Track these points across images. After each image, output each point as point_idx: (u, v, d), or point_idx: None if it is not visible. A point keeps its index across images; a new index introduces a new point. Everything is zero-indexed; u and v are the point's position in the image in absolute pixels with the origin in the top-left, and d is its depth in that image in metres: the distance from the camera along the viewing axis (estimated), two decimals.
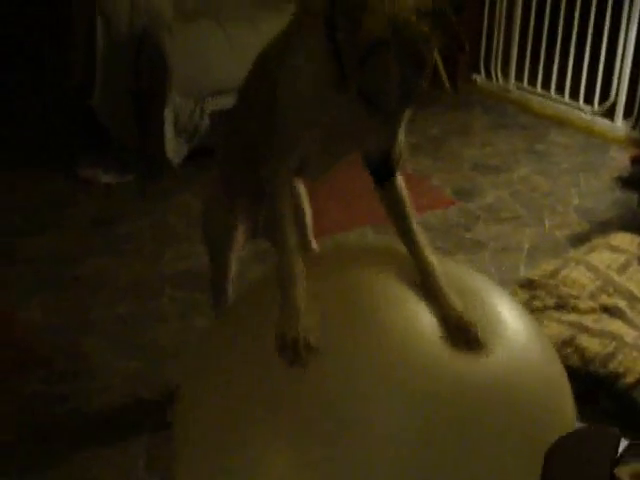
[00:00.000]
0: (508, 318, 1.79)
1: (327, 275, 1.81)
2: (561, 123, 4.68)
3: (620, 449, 1.16)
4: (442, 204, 3.80)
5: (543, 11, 4.78)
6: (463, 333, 1.65)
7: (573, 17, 4.59)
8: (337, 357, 1.60)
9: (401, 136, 1.69)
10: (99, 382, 2.69)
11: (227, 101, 4.10)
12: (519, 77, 5.04)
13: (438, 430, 1.51)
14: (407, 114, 1.65)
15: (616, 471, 1.07)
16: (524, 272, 3.21)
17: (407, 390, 1.55)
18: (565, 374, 1.82)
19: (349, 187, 3.57)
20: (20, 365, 2.79)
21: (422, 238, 1.82)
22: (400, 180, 1.84)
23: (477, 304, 1.76)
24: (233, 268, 2.38)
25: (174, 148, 4.05)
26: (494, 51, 5.12)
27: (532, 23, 4.88)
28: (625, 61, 4.39)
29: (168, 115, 3.97)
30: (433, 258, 1.79)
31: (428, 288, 1.74)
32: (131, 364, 2.77)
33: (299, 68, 1.70)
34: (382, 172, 1.77)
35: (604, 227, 3.51)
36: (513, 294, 2.89)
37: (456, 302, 1.71)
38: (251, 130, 2.00)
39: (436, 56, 5.01)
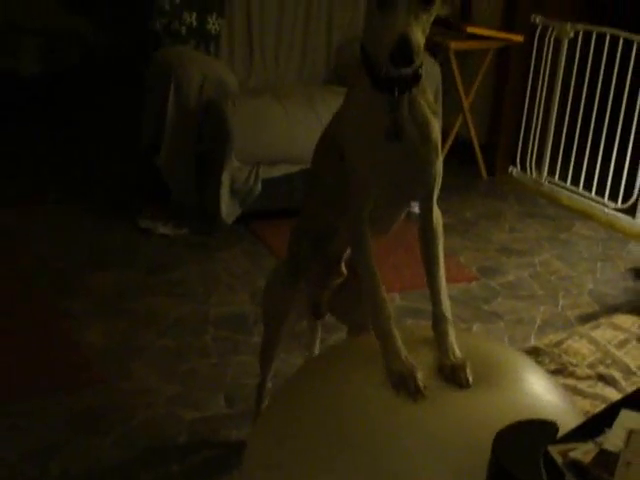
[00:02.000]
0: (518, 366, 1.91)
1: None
2: (586, 216, 4.98)
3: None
4: (466, 279, 4.06)
5: (577, 114, 5.13)
6: (456, 375, 1.75)
7: (603, 121, 4.93)
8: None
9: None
10: (144, 399, 2.99)
11: (280, 170, 4.49)
12: (551, 172, 5.36)
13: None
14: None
15: (549, 448, 1.33)
16: (534, 342, 3.47)
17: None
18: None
19: (381, 255, 3.89)
20: (78, 381, 3.12)
21: (443, 281, 1.94)
22: (437, 214, 1.94)
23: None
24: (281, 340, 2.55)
25: (228, 208, 4.36)
26: (530, 147, 5.45)
27: (566, 123, 5.22)
28: None
29: (225, 178, 4.28)
30: (447, 299, 1.93)
31: (437, 330, 1.88)
32: (173, 387, 3.07)
33: (352, 117, 1.82)
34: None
35: (612, 310, 3.76)
36: None
37: (456, 349, 1.81)
38: (323, 199, 2.08)
39: (477, 149, 5.42)
